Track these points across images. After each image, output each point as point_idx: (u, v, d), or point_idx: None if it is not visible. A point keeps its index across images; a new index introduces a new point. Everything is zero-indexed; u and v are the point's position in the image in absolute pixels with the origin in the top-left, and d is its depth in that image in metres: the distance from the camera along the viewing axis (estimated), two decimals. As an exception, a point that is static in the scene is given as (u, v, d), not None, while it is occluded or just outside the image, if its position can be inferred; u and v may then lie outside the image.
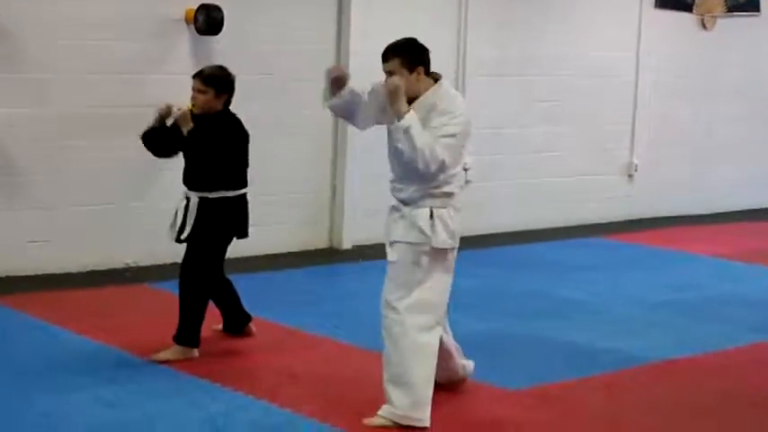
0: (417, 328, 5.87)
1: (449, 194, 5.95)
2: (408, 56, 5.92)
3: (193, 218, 6.97)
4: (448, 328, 6.35)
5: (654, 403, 6.55)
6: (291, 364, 7.00)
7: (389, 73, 5.90)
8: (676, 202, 13.39)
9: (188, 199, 7.01)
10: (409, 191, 5.94)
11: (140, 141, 7.13)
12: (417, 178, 5.87)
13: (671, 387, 6.86)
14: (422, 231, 5.88)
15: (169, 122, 6.99)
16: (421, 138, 5.73)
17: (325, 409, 6.12)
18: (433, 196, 5.92)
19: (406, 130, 5.72)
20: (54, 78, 8.98)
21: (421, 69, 5.93)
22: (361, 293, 8.67)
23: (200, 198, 6.96)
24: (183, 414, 5.97)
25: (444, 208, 5.93)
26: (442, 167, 5.79)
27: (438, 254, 5.91)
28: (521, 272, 10.06)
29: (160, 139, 7.05)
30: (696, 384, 6.97)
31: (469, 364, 6.53)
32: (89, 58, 9.11)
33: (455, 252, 6.05)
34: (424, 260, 5.90)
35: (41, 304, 8.15)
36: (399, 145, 5.78)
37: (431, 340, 5.92)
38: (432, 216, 5.90)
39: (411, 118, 5.75)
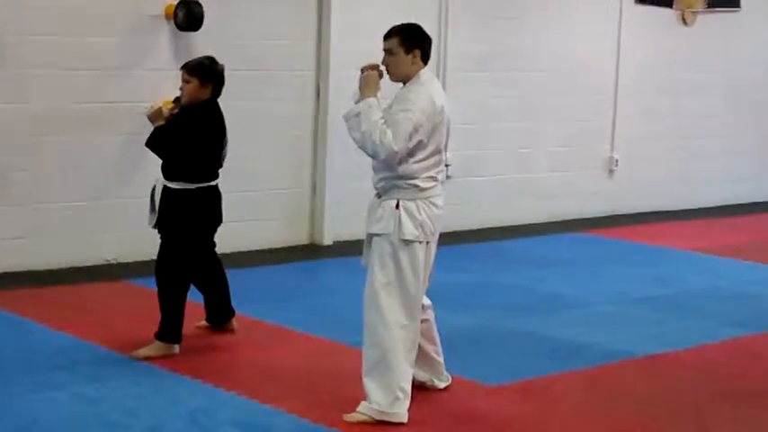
0: (391, 322, 5.88)
1: (418, 188, 5.92)
2: (408, 37, 6.01)
3: (158, 205, 6.99)
4: (434, 331, 6.37)
5: (635, 397, 6.56)
6: (272, 359, 6.99)
7: (387, 51, 5.99)
8: (657, 198, 13.42)
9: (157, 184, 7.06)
10: (380, 182, 5.99)
11: (148, 148, 7.10)
12: (383, 168, 5.93)
13: (652, 381, 6.88)
14: (388, 222, 5.91)
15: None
16: (368, 123, 5.80)
17: (305, 404, 6.11)
18: (400, 188, 5.93)
19: (357, 114, 5.84)
20: (32, 74, 8.94)
21: (417, 53, 6.00)
22: (342, 289, 8.67)
23: (164, 186, 6.98)
24: (164, 410, 5.96)
25: (413, 201, 5.92)
26: (393, 154, 5.78)
27: (406, 246, 5.90)
28: (502, 267, 10.07)
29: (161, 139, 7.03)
30: (677, 379, 6.99)
31: (446, 378, 6.52)
32: (68, 54, 9.07)
33: (429, 246, 6.01)
34: (394, 252, 5.91)
35: (21, 300, 8.11)
36: (352, 132, 5.91)
37: (406, 335, 5.91)
38: (397, 207, 5.92)
39: (367, 104, 5.84)
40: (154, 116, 6.99)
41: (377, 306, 5.92)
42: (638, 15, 12.95)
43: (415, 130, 5.84)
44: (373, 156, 5.88)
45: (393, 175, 5.92)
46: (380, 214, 5.97)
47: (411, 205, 5.93)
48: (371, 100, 5.90)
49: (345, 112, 6.00)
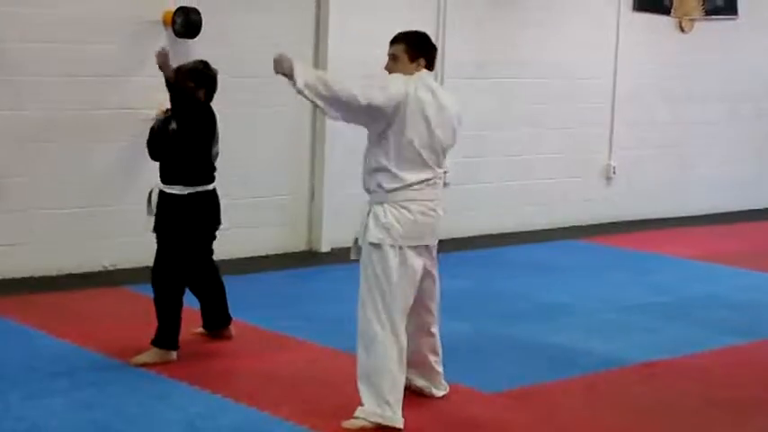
0: (376, 328, 5.88)
1: (387, 191, 5.89)
2: (415, 45, 6.02)
3: (155, 210, 7.00)
4: (437, 343, 6.37)
5: (632, 405, 6.56)
6: (270, 366, 6.99)
7: (392, 56, 5.99)
8: (654, 205, 13.43)
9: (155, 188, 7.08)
10: (365, 189, 6.02)
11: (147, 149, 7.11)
12: (366, 174, 5.96)
13: (649, 389, 6.87)
14: (361, 228, 5.96)
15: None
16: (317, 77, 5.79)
17: (304, 411, 6.11)
18: (373, 192, 5.97)
19: (301, 90, 5.77)
20: (30, 81, 8.93)
21: (422, 62, 6.00)
22: (340, 296, 8.65)
23: (161, 191, 6.99)
24: (162, 417, 5.95)
25: (380, 204, 5.92)
26: (354, 98, 5.72)
27: (375, 250, 5.89)
28: (499, 274, 10.07)
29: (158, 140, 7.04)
30: (674, 387, 6.98)
31: (443, 388, 6.50)
32: (66, 61, 9.06)
33: (404, 252, 5.92)
34: (368, 257, 5.92)
35: (18, 307, 8.10)
36: (316, 98, 5.77)
37: (390, 339, 5.89)
38: (369, 213, 5.95)
39: (299, 71, 5.75)
40: (162, 65, 7.06)
41: (362, 312, 5.94)
42: (635, 23, 12.97)
43: (378, 86, 5.80)
44: (345, 100, 5.76)
45: (368, 168, 5.93)
46: (361, 221, 6.02)
47: (378, 208, 5.93)
48: (299, 65, 5.79)
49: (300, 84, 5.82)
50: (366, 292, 5.94)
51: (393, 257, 5.90)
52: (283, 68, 5.81)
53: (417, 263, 6.01)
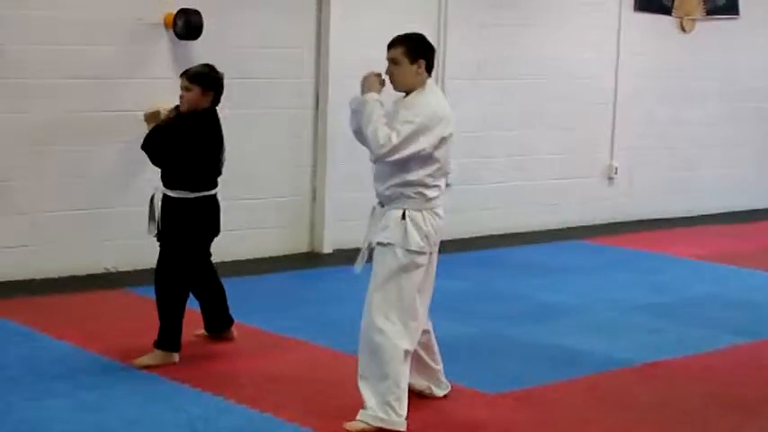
0: (388, 330, 5.87)
1: (424, 197, 5.92)
2: (414, 47, 6.00)
3: (158, 214, 6.99)
4: (432, 339, 6.37)
5: (635, 406, 6.56)
6: (272, 368, 6.98)
7: (392, 60, 5.97)
8: (656, 205, 13.42)
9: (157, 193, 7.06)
10: (386, 190, 5.96)
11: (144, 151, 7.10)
12: (390, 174, 5.90)
13: (652, 389, 6.87)
14: (393, 232, 5.89)
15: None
16: (369, 115, 5.81)
17: (305, 413, 6.10)
18: (407, 197, 5.92)
19: (363, 104, 5.85)
20: (32, 83, 8.94)
21: (422, 63, 5.98)
22: (342, 297, 8.66)
23: (164, 195, 6.98)
24: (164, 419, 5.95)
25: (419, 211, 5.92)
26: (387, 151, 5.76)
27: (409, 256, 5.90)
28: (501, 275, 10.06)
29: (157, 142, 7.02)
30: (677, 387, 6.97)
31: (444, 386, 6.51)
32: (68, 63, 9.07)
33: (430, 257, 6.02)
34: (397, 261, 5.89)
35: (20, 309, 8.11)
36: (352, 123, 5.94)
37: (402, 342, 5.89)
38: (404, 217, 5.91)
39: (373, 98, 5.85)
40: (150, 117, 7.00)
41: (373, 313, 5.91)
42: (637, 23, 12.96)
43: (421, 132, 5.81)
44: (370, 149, 5.84)
45: (401, 182, 5.90)
46: (385, 223, 5.95)
47: (417, 215, 5.92)
48: (375, 95, 5.89)
49: (352, 98, 5.98)
50: (381, 294, 5.90)
51: (423, 264, 5.95)
52: (366, 88, 5.93)
53: (433, 265, 6.11)
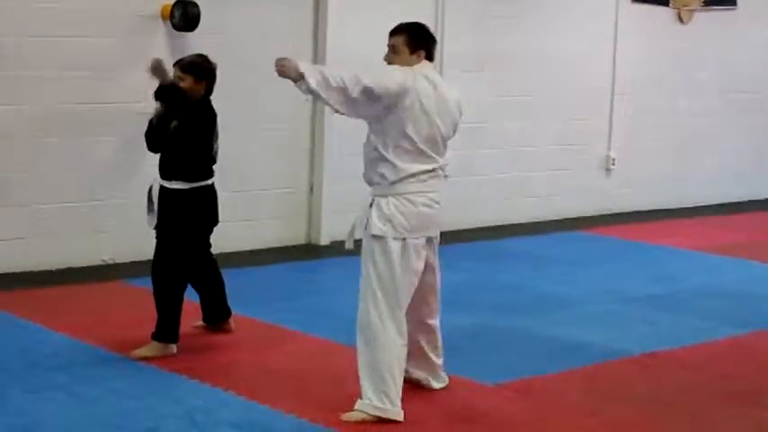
0: (375, 320, 5.88)
1: (391, 182, 5.88)
2: (415, 37, 6.03)
3: (156, 205, 7.00)
4: (437, 335, 6.36)
5: (633, 396, 6.56)
6: (270, 359, 6.99)
7: (392, 47, 5.99)
8: (654, 196, 13.42)
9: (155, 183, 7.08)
10: (367, 181, 6.01)
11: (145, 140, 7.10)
12: (367, 165, 5.95)
13: (650, 380, 6.88)
14: (362, 220, 5.95)
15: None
16: (332, 74, 5.77)
17: (304, 404, 6.10)
18: (375, 185, 5.95)
19: (309, 87, 5.78)
20: (30, 75, 8.92)
21: (422, 53, 6.01)
22: (339, 289, 8.65)
23: (161, 186, 6.98)
24: (162, 410, 5.94)
25: (384, 197, 5.91)
26: (365, 89, 5.72)
27: (376, 242, 5.88)
28: (499, 266, 10.07)
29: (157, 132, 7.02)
30: (675, 377, 6.98)
31: (442, 380, 6.50)
32: (65, 55, 9.05)
33: (407, 245, 5.92)
34: (370, 249, 5.91)
35: (18, 301, 8.10)
36: (328, 99, 5.78)
37: (390, 332, 5.89)
38: (371, 205, 5.93)
39: (307, 71, 5.78)
40: (155, 71, 6.95)
41: (363, 304, 5.94)
42: (634, 13, 12.95)
43: (392, 73, 5.83)
44: (353, 95, 5.75)
45: (373, 168, 5.92)
46: (362, 212, 6.01)
47: (381, 201, 5.92)
48: (305, 63, 5.85)
49: (298, 87, 5.90)
50: (367, 284, 5.93)
51: (396, 250, 5.89)
52: (288, 72, 5.79)
53: (420, 255, 6.02)
